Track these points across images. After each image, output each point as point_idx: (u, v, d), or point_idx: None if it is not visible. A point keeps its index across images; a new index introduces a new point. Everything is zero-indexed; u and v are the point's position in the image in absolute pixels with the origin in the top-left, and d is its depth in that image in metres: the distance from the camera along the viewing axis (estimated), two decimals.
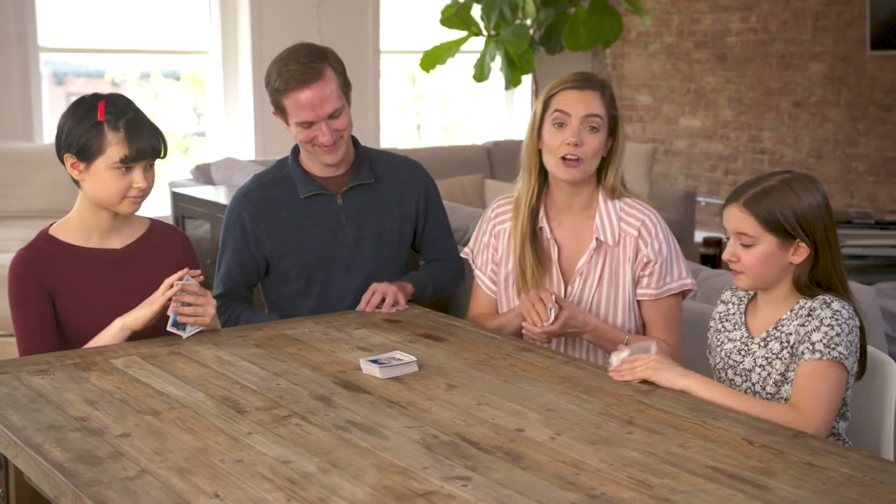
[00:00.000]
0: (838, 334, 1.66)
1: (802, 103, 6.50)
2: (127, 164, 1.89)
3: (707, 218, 7.05)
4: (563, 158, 1.98)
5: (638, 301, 2.06)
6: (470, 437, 1.46)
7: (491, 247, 2.15)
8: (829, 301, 1.69)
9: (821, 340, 1.66)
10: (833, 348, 1.65)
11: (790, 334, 1.72)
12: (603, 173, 2.05)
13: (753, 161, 6.82)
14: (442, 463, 1.36)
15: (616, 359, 1.75)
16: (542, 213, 2.07)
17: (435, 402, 1.62)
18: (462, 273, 2.38)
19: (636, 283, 2.05)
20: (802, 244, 1.71)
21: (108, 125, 1.88)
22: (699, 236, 5.62)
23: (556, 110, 1.99)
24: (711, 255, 4.11)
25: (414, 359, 1.79)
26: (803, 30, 6.44)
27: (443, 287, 2.34)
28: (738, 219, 1.72)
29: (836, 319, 1.67)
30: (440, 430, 1.49)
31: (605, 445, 1.43)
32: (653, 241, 2.02)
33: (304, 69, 2.12)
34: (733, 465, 1.37)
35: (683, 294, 2.09)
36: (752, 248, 1.72)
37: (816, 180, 1.76)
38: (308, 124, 2.15)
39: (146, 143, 1.90)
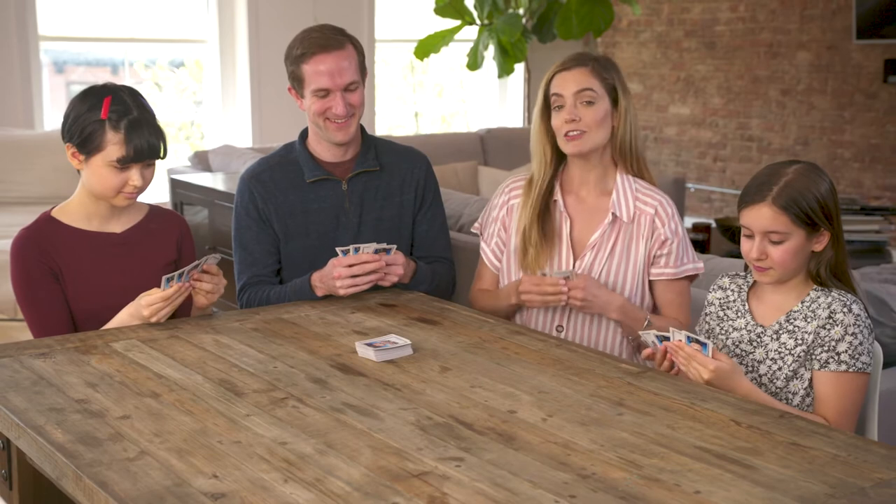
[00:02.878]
0: (861, 343, 1.68)
1: (790, 91, 6.54)
2: (124, 164, 1.90)
3: (696, 204, 7.09)
4: (566, 134, 2.05)
5: (652, 281, 2.09)
6: (463, 419, 1.48)
7: (500, 220, 2.18)
8: (848, 303, 1.69)
9: (846, 351, 1.68)
10: (858, 358, 1.67)
11: (808, 333, 1.72)
12: (614, 140, 2.10)
13: (742, 148, 6.86)
14: (436, 444, 1.38)
15: (648, 337, 1.73)
16: (557, 188, 2.12)
17: (429, 384, 1.64)
18: (455, 282, 2.38)
19: (652, 262, 2.08)
20: (825, 231, 1.72)
21: (110, 124, 1.89)
22: (688, 222, 5.66)
23: (553, 94, 2.07)
24: (701, 241, 4.15)
25: (409, 342, 1.81)
26: (790, 19, 6.46)
27: (439, 286, 2.30)
28: (768, 218, 1.70)
29: (859, 326, 1.68)
30: (434, 411, 1.51)
31: (595, 426, 1.46)
32: (669, 222, 2.07)
33: (326, 38, 2.18)
34: (721, 445, 1.39)
35: (691, 279, 2.13)
36: (783, 245, 1.71)
37: (819, 166, 1.77)
38: (324, 93, 2.17)
39: (145, 144, 1.91)
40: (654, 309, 2.13)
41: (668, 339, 1.72)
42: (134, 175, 1.92)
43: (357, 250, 2.06)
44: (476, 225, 2.26)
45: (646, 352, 1.76)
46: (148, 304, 1.90)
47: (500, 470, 1.30)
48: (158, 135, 1.94)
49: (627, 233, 2.08)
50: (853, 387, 1.69)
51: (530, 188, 2.13)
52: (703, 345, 1.67)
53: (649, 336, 1.74)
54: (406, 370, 1.71)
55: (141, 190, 1.96)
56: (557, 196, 2.11)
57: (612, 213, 2.08)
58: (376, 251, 2.07)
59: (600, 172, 2.11)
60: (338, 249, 2.08)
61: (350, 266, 2.05)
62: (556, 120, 2.07)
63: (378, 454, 1.35)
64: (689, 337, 1.69)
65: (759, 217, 1.72)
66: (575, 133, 2.04)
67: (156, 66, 5.95)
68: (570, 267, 2.08)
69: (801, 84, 6.47)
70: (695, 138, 7.13)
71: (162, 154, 1.96)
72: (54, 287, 1.96)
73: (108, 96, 1.91)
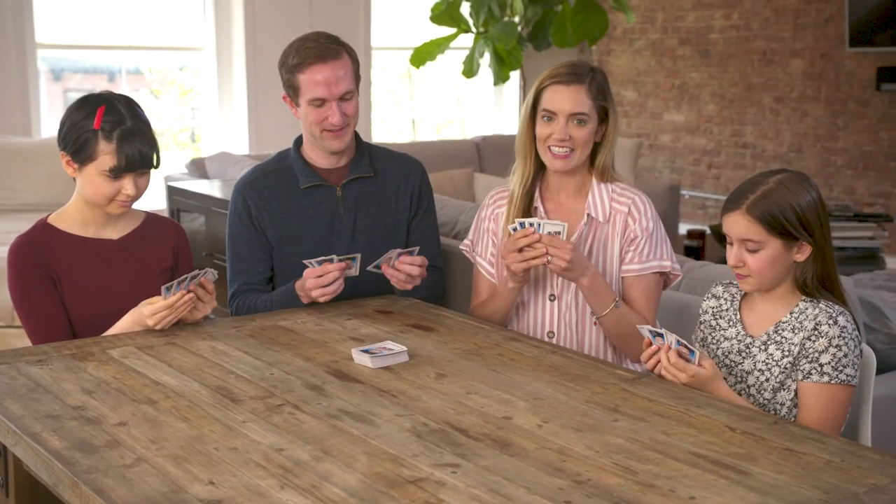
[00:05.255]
0: (846, 355, 1.68)
1: (783, 99, 6.57)
2: (116, 174, 1.91)
3: (691, 210, 7.11)
4: (552, 150, 2.05)
5: (622, 278, 2.10)
6: (459, 425, 1.48)
7: (490, 231, 2.18)
8: (834, 315, 1.69)
9: (829, 363, 1.68)
10: (841, 370, 1.67)
11: (794, 345, 1.72)
12: (595, 157, 2.10)
13: (736, 155, 6.89)
14: (432, 450, 1.39)
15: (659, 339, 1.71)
16: (537, 194, 2.12)
17: (425, 390, 1.64)
18: (444, 291, 2.39)
19: (622, 259, 2.09)
20: (805, 243, 1.72)
21: (103, 134, 1.90)
22: (683, 228, 5.68)
23: (545, 108, 2.05)
24: (695, 247, 4.16)
25: (404, 349, 1.81)
26: (784, 27, 6.50)
27: (432, 294, 2.31)
28: (742, 226, 1.72)
29: (844, 338, 1.68)
30: (430, 418, 1.51)
31: (591, 433, 1.46)
32: (641, 219, 2.07)
33: (322, 47, 2.18)
34: (716, 451, 1.40)
35: (667, 281, 2.13)
36: (758, 253, 1.72)
37: (809, 177, 1.77)
38: (320, 102, 2.18)
39: (137, 154, 1.92)
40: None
41: (661, 335, 1.71)
42: (127, 184, 1.93)
43: (321, 262, 2.08)
44: (466, 242, 2.24)
45: (645, 343, 1.75)
46: (152, 312, 1.90)
47: (495, 476, 1.31)
48: (151, 145, 1.95)
49: (603, 232, 2.09)
50: (836, 399, 1.69)
51: (512, 199, 2.12)
52: (692, 352, 1.68)
53: (644, 330, 1.74)
54: (402, 377, 1.72)
55: (134, 198, 1.97)
56: (537, 203, 2.12)
57: (588, 214, 2.09)
58: (340, 260, 2.08)
59: (579, 180, 2.12)
60: (305, 262, 2.09)
61: (318, 277, 2.07)
62: (544, 130, 2.06)
63: (374, 460, 1.35)
64: (678, 341, 1.69)
65: (735, 225, 1.74)
66: (563, 152, 2.04)
67: (153, 73, 5.96)
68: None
69: (794, 91, 6.50)
70: (689, 145, 7.15)
71: (155, 164, 1.97)
72: (52, 292, 1.96)
73: (103, 106, 1.92)
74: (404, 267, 2.09)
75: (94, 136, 1.91)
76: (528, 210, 2.11)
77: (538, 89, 2.07)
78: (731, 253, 1.76)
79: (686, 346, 1.68)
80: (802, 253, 1.74)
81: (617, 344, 2.09)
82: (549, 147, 2.05)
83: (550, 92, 2.05)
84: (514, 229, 1.97)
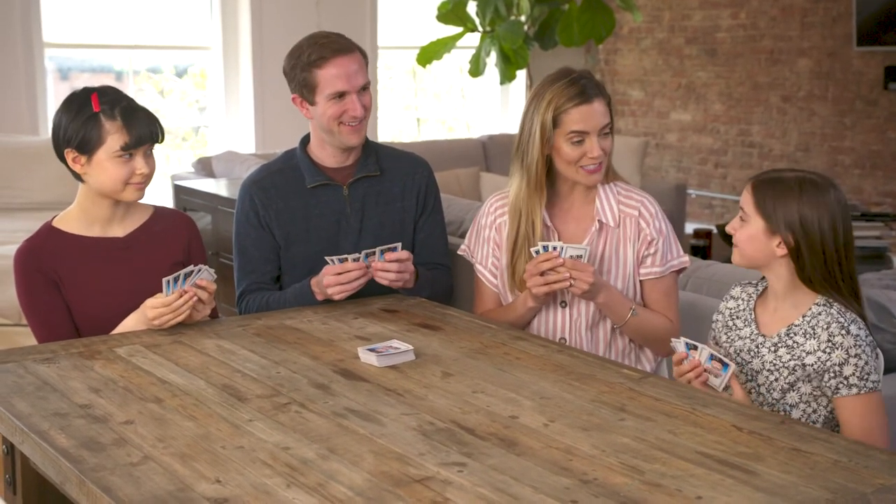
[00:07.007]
0: (867, 363, 1.68)
1: (790, 98, 6.56)
2: (128, 150, 1.91)
3: (697, 210, 7.10)
4: (586, 168, 2.03)
5: (641, 281, 2.10)
6: (465, 424, 1.48)
7: (492, 240, 2.17)
8: (846, 324, 1.69)
9: (853, 374, 1.68)
10: (866, 379, 1.68)
11: (805, 352, 1.72)
12: None
13: (743, 154, 6.87)
14: (438, 449, 1.39)
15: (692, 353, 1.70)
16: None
17: (431, 389, 1.64)
18: (452, 289, 2.39)
19: (640, 263, 2.09)
20: (783, 242, 1.73)
21: (105, 115, 1.90)
22: (689, 228, 5.67)
23: (573, 131, 2.01)
24: (702, 247, 4.16)
25: (411, 347, 1.81)
26: (791, 26, 6.49)
27: (438, 293, 2.30)
28: (744, 195, 1.78)
29: (859, 346, 1.68)
30: (436, 417, 1.51)
31: (597, 432, 1.46)
32: (653, 221, 2.08)
33: (337, 42, 2.20)
34: (722, 450, 1.39)
35: (678, 272, 2.13)
36: (745, 225, 1.76)
37: (832, 186, 1.73)
38: (340, 95, 2.18)
39: (144, 128, 1.93)
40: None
41: (696, 347, 1.71)
42: (139, 162, 1.93)
43: (342, 260, 2.09)
44: (463, 248, 2.23)
45: (676, 357, 1.75)
46: (152, 306, 1.91)
47: (501, 475, 1.31)
48: (153, 119, 1.96)
49: (615, 237, 2.09)
50: (871, 407, 1.69)
51: (516, 212, 2.08)
52: (725, 365, 1.68)
53: (679, 344, 1.74)
54: (408, 375, 1.72)
55: (148, 178, 1.96)
56: (543, 212, 2.09)
57: (599, 221, 2.08)
58: (355, 259, 2.09)
59: (586, 185, 2.10)
60: (327, 259, 2.11)
61: (337, 274, 2.08)
62: (575, 152, 2.02)
63: (380, 459, 1.35)
64: (711, 355, 1.69)
65: (743, 193, 1.78)
66: (596, 166, 2.03)
67: (161, 72, 5.98)
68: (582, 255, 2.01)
69: (801, 91, 6.49)
70: (696, 145, 7.14)
71: (160, 138, 1.97)
72: (56, 298, 1.96)
73: (94, 92, 1.93)
74: (378, 273, 2.09)
75: (97, 120, 1.91)
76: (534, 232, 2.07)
77: (557, 113, 2.00)
78: (733, 219, 1.81)
79: (719, 360, 1.68)
80: (780, 249, 1.74)
81: (643, 345, 2.10)
82: (582, 165, 2.03)
83: (575, 114, 2.00)
84: (538, 252, 1.97)
